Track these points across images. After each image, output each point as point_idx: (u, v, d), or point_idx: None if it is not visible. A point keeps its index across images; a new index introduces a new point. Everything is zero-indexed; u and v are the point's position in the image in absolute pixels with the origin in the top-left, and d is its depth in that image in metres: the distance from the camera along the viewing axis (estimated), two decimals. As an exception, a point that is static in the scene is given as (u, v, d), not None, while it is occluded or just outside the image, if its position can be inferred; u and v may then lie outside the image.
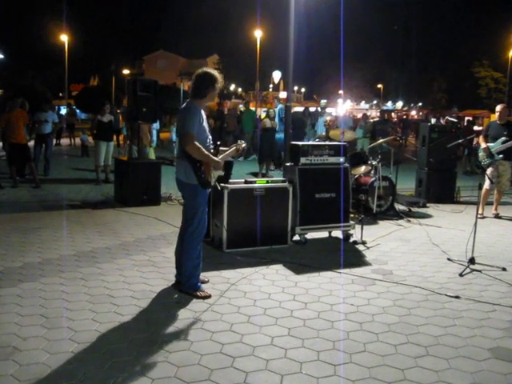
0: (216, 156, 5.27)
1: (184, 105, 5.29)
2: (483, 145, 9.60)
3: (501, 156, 9.42)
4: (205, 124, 5.24)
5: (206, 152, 5.09)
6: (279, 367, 3.87)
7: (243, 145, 5.66)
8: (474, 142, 16.27)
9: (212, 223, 7.15)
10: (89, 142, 19.67)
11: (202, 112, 5.25)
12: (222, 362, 3.92)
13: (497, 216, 9.86)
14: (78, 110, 47.23)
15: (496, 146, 9.46)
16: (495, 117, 10.08)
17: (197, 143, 4.99)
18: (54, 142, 22.57)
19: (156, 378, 3.67)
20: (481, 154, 9.61)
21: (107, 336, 4.30)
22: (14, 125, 11.83)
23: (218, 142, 5.45)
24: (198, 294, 5.24)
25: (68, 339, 4.21)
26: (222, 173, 5.68)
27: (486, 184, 9.34)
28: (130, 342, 4.23)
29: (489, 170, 9.44)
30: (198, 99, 5.24)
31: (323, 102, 16.95)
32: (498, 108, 9.91)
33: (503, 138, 9.39)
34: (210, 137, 5.36)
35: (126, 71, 65.61)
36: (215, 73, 5.28)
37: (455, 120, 13.80)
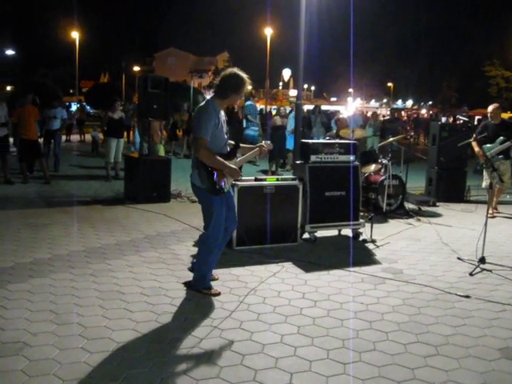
0: (233, 158, 5.13)
1: (203, 103, 5.08)
2: (476, 150, 9.42)
3: (500, 156, 9.41)
4: (222, 126, 5.03)
5: (220, 159, 4.88)
6: (289, 365, 3.87)
7: (269, 146, 5.49)
8: None
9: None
10: (99, 139, 19.72)
11: (222, 113, 5.08)
12: (232, 360, 3.92)
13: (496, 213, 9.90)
14: (88, 107, 47.42)
15: (494, 146, 9.42)
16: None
17: (208, 150, 4.81)
18: (64, 138, 22.67)
19: (165, 375, 3.67)
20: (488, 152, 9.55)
21: (117, 332, 4.31)
22: (25, 121, 11.89)
23: (240, 145, 5.29)
24: (208, 291, 5.24)
25: (78, 335, 4.22)
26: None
27: (494, 183, 9.24)
28: (139, 338, 4.24)
29: (487, 171, 9.43)
30: (219, 99, 5.04)
31: (292, 99, 17.02)
32: (490, 108, 9.88)
33: (501, 138, 9.36)
34: (229, 140, 5.21)
35: (136, 68, 65.81)
36: (244, 77, 4.99)
37: (466, 119, 13.74)
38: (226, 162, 4.94)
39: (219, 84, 5.03)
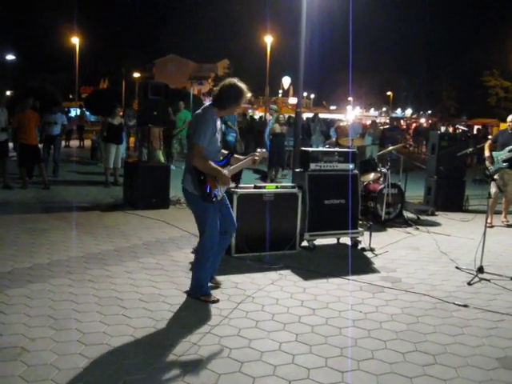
0: (226, 166, 5.13)
1: (200, 110, 5.10)
2: (486, 153, 9.60)
3: (505, 164, 9.41)
4: (218, 135, 5.05)
5: (214, 165, 4.93)
6: (287, 373, 3.87)
7: (262, 154, 5.45)
8: None
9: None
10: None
11: (218, 122, 5.09)
12: (230, 367, 3.92)
13: (508, 225, 9.84)
14: (87, 113, 47.41)
15: (502, 154, 9.44)
16: (505, 126, 10.06)
17: (203, 157, 4.84)
18: (64, 144, 22.66)
19: (163, 381, 3.67)
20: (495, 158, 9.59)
21: (115, 338, 4.31)
22: (25, 126, 11.90)
23: (234, 155, 5.31)
24: (207, 298, 5.23)
25: (76, 341, 4.22)
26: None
27: (493, 192, 9.23)
28: (137, 344, 4.24)
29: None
30: (217, 109, 5.06)
31: (274, 106, 17.11)
32: (510, 118, 9.88)
33: (510, 147, 9.37)
34: (222, 150, 5.26)
35: (136, 74, 65.76)
36: (243, 88, 5.02)
37: (465, 128, 13.79)
38: (220, 168, 4.98)
39: (218, 94, 5.05)
